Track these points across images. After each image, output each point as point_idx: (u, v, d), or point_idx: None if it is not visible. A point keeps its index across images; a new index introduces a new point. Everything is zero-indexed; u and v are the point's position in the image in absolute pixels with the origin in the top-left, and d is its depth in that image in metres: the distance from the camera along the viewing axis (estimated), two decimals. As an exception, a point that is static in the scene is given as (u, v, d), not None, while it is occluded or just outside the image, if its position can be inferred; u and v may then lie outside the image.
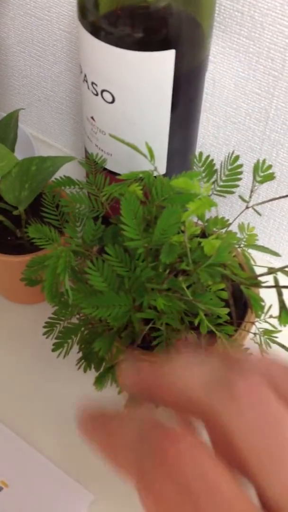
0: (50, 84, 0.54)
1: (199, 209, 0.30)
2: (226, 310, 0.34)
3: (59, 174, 0.41)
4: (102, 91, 0.36)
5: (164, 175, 0.41)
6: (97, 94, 0.37)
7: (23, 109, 0.47)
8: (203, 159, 0.37)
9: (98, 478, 0.39)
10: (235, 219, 0.36)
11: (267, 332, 0.33)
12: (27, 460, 0.39)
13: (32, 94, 0.56)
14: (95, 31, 0.34)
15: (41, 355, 0.43)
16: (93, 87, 0.37)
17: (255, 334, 0.33)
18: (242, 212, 0.36)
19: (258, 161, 0.35)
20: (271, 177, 0.35)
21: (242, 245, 0.37)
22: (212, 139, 0.46)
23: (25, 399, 0.42)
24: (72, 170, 0.46)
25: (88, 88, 0.37)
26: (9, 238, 0.43)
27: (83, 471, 0.39)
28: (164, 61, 0.34)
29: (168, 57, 0.34)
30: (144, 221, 0.34)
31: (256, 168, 0.35)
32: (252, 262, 0.37)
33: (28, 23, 0.50)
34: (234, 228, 0.37)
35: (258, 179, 0.35)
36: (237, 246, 0.37)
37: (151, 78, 0.35)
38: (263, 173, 0.35)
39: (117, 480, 0.39)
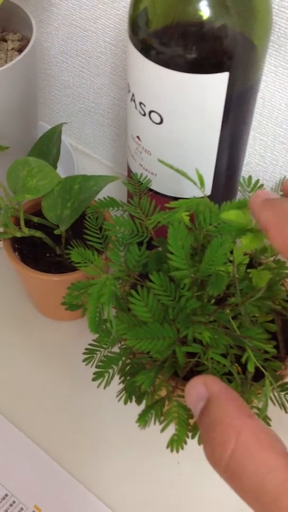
0: (92, 96, 0.53)
1: (252, 244, 0.29)
2: (273, 344, 0.32)
3: (103, 193, 0.40)
4: (150, 111, 0.35)
5: (209, 196, 0.40)
6: (144, 115, 0.36)
7: (66, 123, 0.46)
8: (252, 183, 0.36)
9: (131, 505, 0.38)
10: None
11: None
12: (60, 485, 0.38)
13: (74, 105, 0.55)
14: (146, 50, 0.33)
15: (80, 373, 0.43)
16: (141, 107, 0.36)
17: (304, 372, 0.32)
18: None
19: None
20: None
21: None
22: (258, 158, 0.44)
23: (62, 421, 0.42)
24: (114, 188, 0.46)
25: (136, 108, 0.36)
26: (48, 255, 0.43)
27: (117, 497, 0.38)
28: (216, 84, 0.33)
29: (221, 80, 0.32)
30: (190, 248, 0.33)
31: None
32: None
33: (73, 34, 0.49)
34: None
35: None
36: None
37: (202, 100, 0.33)
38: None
39: (149, 507, 0.38)
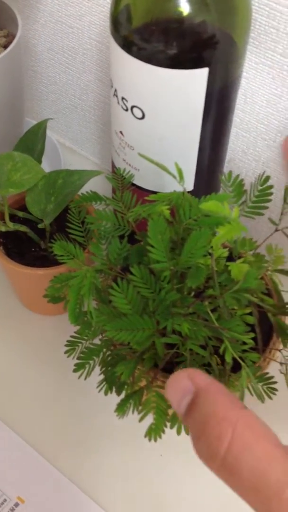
0: (79, 92, 0.53)
1: (229, 233, 0.29)
2: (252, 336, 0.33)
3: (88, 186, 0.40)
4: (132, 107, 0.36)
5: (191, 192, 0.41)
6: (127, 110, 0.36)
7: (51, 119, 0.46)
8: (232, 178, 0.36)
9: (114, 497, 0.39)
10: (264, 241, 0.35)
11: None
12: (44, 476, 0.39)
13: (60, 101, 0.56)
14: (127, 46, 0.34)
15: (63, 367, 0.43)
16: (123, 102, 0.36)
17: (281, 363, 0.32)
18: (271, 235, 0.35)
19: (289, 183, 0.34)
20: (302, 200, 0.34)
21: (269, 269, 0.36)
22: (241, 154, 0.45)
23: (45, 414, 0.42)
24: (99, 183, 0.46)
25: (118, 103, 0.37)
26: (33, 249, 0.43)
27: (99, 489, 0.39)
28: (196, 79, 0.33)
29: (201, 75, 0.33)
30: (171, 242, 0.34)
31: (287, 191, 0.34)
32: (281, 287, 0.36)
33: (59, 31, 0.50)
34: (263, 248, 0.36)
35: (289, 201, 0.34)
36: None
37: (182, 95, 0.34)
38: (294, 196, 0.34)
39: (132, 498, 0.39)
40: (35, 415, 0.42)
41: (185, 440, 0.37)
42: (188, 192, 0.41)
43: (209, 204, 0.30)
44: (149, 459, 0.40)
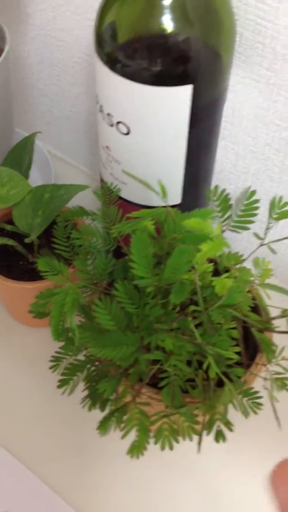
0: (69, 104, 0.53)
1: (211, 250, 0.29)
2: (237, 350, 0.33)
3: (78, 198, 0.40)
4: (118, 122, 0.36)
5: (179, 205, 0.41)
6: (112, 125, 0.36)
7: (40, 132, 0.47)
8: (218, 192, 0.36)
9: (100, 510, 0.39)
10: (249, 255, 0.35)
11: (279, 379, 0.32)
12: (30, 490, 0.39)
13: (51, 113, 0.56)
14: (111, 63, 0.34)
15: (50, 378, 0.43)
16: (109, 118, 0.36)
17: (265, 379, 0.32)
18: (256, 249, 0.35)
19: (274, 198, 0.34)
20: (287, 214, 0.34)
21: (256, 283, 0.36)
22: (230, 166, 0.45)
23: (30, 426, 0.42)
24: (90, 196, 0.46)
25: (104, 118, 0.37)
26: (21, 262, 0.43)
27: (84, 501, 0.39)
28: (181, 96, 0.33)
29: (185, 92, 0.33)
30: (155, 257, 0.34)
31: (272, 205, 0.34)
32: (268, 301, 0.36)
33: (48, 44, 0.50)
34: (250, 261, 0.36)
35: (274, 216, 0.34)
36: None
37: (167, 112, 0.34)
38: (279, 210, 0.34)
39: (117, 510, 0.38)
40: (22, 427, 0.42)
41: (171, 453, 0.37)
42: (176, 205, 0.41)
43: (191, 221, 0.30)
44: (134, 471, 0.40)
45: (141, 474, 0.40)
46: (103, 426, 0.29)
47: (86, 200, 0.42)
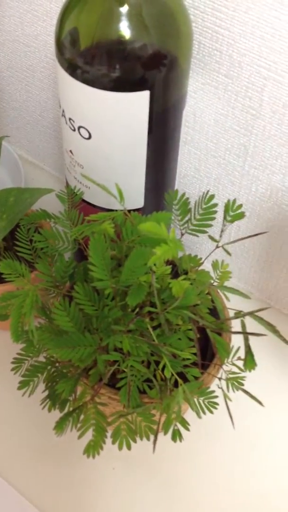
0: (39, 109, 0.54)
1: (166, 254, 0.30)
2: (193, 351, 0.34)
3: (48, 202, 0.41)
4: (79, 127, 0.36)
5: (142, 209, 0.41)
6: (74, 130, 0.37)
7: (7, 136, 0.47)
8: (178, 196, 0.37)
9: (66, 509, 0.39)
10: (206, 257, 0.36)
11: (232, 379, 0.33)
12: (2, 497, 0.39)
13: (22, 118, 0.56)
14: (71, 69, 0.34)
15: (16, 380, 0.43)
16: (71, 123, 0.37)
17: (219, 378, 0.33)
18: (212, 251, 0.36)
19: (228, 201, 0.35)
20: (241, 216, 0.35)
21: (214, 284, 0.37)
22: (194, 171, 0.46)
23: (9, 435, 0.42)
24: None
25: (66, 123, 0.38)
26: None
27: (54, 506, 0.39)
28: (139, 102, 0.34)
29: (142, 98, 0.34)
30: (115, 259, 0.34)
31: (227, 208, 0.35)
32: (228, 303, 0.37)
33: (17, 49, 0.50)
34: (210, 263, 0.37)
35: (229, 218, 0.35)
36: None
37: (126, 117, 0.35)
38: (233, 213, 0.35)
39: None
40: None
41: (137, 453, 0.38)
42: (139, 209, 0.41)
43: (146, 225, 0.31)
44: (101, 472, 0.40)
45: (107, 474, 0.40)
46: (60, 426, 0.30)
47: (56, 203, 0.42)
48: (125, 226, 0.34)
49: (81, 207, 0.40)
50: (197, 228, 0.36)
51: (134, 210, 0.41)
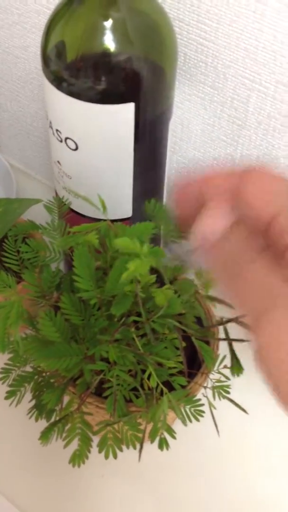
0: (30, 119, 0.54)
1: (138, 269, 0.30)
2: (179, 360, 0.34)
3: (38, 211, 0.41)
4: (66, 138, 0.37)
5: (131, 218, 0.42)
6: (61, 141, 0.37)
7: (-3, 146, 0.48)
8: (157, 206, 0.37)
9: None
10: (191, 267, 0.37)
11: (218, 387, 0.33)
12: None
13: (13, 128, 0.57)
14: (56, 81, 0.35)
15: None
16: (58, 134, 0.37)
17: (205, 387, 0.33)
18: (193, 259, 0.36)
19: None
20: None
21: (199, 293, 0.37)
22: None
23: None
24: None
25: (54, 134, 0.38)
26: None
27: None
28: (124, 114, 0.34)
29: (127, 110, 0.34)
30: (101, 270, 0.35)
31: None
32: (215, 310, 0.37)
33: (7, 60, 0.51)
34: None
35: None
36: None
37: (112, 129, 0.35)
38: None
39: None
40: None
41: (125, 461, 0.38)
42: (127, 218, 0.42)
43: (119, 241, 0.31)
44: (90, 480, 0.41)
45: (96, 482, 0.41)
46: (45, 436, 0.30)
47: (46, 212, 0.42)
48: (109, 237, 0.34)
49: (69, 216, 0.40)
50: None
51: (122, 219, 0.41)
